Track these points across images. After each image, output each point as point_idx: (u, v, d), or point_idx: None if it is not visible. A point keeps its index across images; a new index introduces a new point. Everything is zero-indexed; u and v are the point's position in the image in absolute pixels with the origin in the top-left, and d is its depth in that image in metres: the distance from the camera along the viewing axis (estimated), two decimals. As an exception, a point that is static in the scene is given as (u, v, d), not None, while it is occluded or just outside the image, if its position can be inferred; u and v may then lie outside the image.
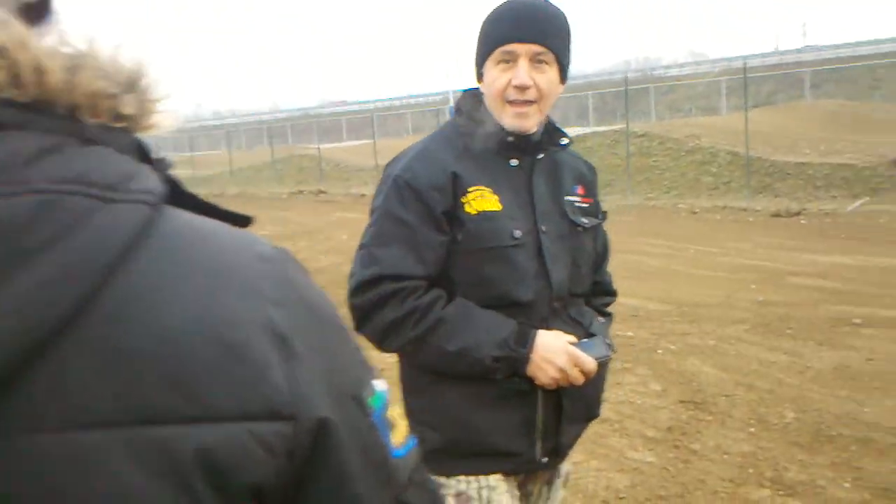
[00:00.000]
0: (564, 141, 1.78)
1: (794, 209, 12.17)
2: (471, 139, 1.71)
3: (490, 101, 1.71)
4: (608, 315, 1.95)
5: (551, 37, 1.66)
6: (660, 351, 5.66)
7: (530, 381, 1.64)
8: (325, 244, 11.92)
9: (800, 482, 3.56)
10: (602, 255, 1.95)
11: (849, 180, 13.51)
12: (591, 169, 1.94)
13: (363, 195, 19.55)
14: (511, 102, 1.66)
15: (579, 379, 1.64)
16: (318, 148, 28.22)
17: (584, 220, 1.81)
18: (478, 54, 1.72)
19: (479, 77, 1.73)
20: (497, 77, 1.66)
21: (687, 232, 11.17)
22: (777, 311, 6.42)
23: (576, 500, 3.56)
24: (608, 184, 17.59)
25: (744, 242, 9.88)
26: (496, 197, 1.65)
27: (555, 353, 1.61)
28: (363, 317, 1.63)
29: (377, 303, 1.60)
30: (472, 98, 1.78)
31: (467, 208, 1.63)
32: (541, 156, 1.75)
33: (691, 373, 5.14)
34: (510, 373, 1.62)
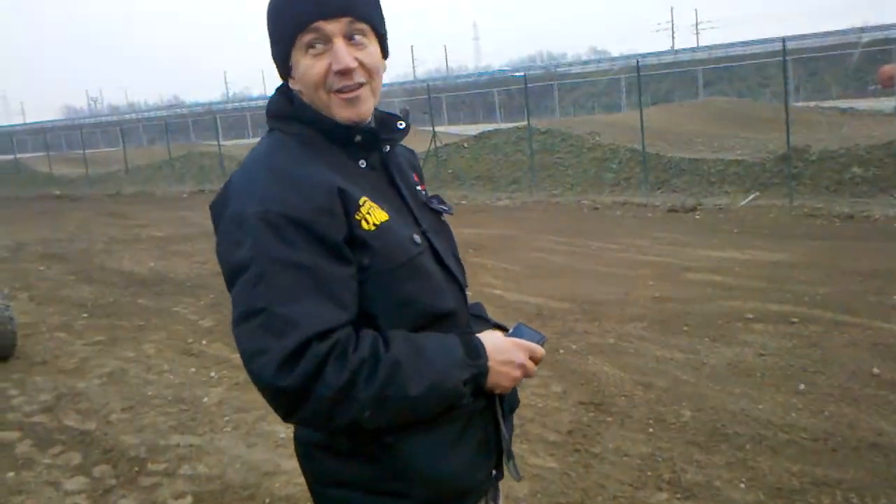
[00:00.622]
0: (402, 125, 1.55)
1: (690, 204, 12.55)
2: (323, 144, 1.44)
3: (310, 96, 1.42)
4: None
5: (360, 4, 1.40)
6: (562, 351, 5.66)
7: (487, 394, 1.47)
8: (224, 246, 11.48)
9: (697, 484, 3.58)
10: None
11: (740, 176, 14.03)
12: (414, 154, 1.72)
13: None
14: (337, 91, 1.40)
15: (534, 370, 1.50)
16: (219, 145, 27.36)
17: (444, 206, 1.63)
18: (276, 47, 1.44)
19: (286, 73, 1.46)
20: (311, 66, 1.39)
21: (589, 228, 11.34)
22: (673, 308, 6.55)
23: (476, 512, 3.47)
24: (514, 181, 17.75)
25: (642, 238, 10.10)
26: (376, 204, 1.40)
27: (508, 352, 1.45)
28: (300, 397, 1.26)
29: (314, 374, 1.24)
30: (286, 100, 1.48)
31: (364, 225, 1.35)
32: (387, 149, 1.52)
33: (592, 373, 5.15)
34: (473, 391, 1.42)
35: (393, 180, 1.52)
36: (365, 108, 1.43)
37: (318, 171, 1.37)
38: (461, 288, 1.54)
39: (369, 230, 1.36)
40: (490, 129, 22.69)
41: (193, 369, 5.95)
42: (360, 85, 1.40)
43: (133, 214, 18.33)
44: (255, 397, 5.12)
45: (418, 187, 1.60)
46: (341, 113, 1.41)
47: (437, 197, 1.64)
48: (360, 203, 1.36)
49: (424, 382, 1.31)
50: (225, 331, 6.96)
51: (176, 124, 41.38)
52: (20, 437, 4.80)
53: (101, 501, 3.91)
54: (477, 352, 1.41)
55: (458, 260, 1.60)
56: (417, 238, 1.45)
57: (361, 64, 1.40)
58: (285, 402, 1.28)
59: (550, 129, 19.75)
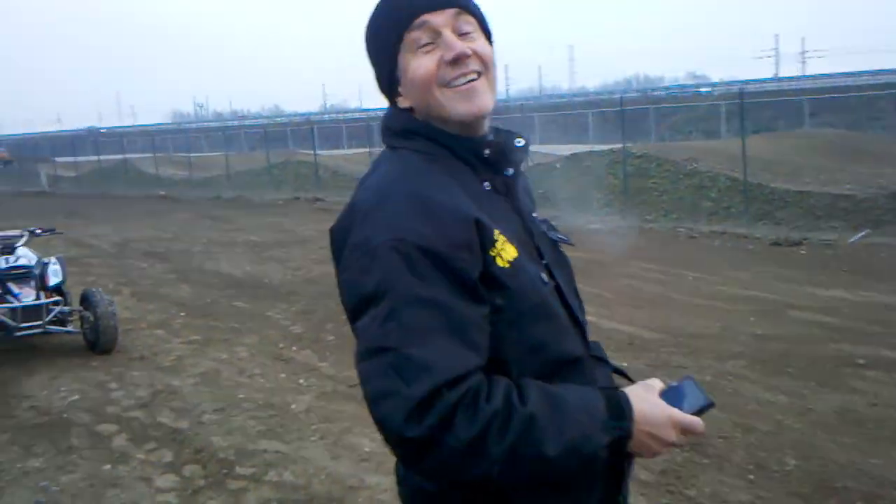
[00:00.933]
0: (521, 142, 1.42)
1: (795, 238, 12.00)
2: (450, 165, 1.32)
3: (423, 102, 1.32)
4: None
5: None
6: (655, 384, 5.45)
7: (624, 454, 1.30)
8: (318, 253, 11.71)
9: (802, 539, 3.36)
10: None
11: (849, 211, 13.35)
12: (526, 176, 1.56)
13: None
14: (450, 85, 1.29)
15: (683, 443, 1.33)
16: (315, 154, 28.03)
17: (561, 235, 1.52)
18: (380, 62, 1.36)
19: (393, 92, 1.37)
20: (420, 64, 1.29)
21: (685, 257, 10.98)
22: (776, 347, 6.22)
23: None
24: (606, 204, 17.43)
25: (742, 271, 9.70)
26: (507, 238, 1.28)
27: (659, 427, 1.26)
28: (427, 447, 1.14)
29: (443, 424, 1.13)
30: (405, 114, 1.38)
31: (499, 262, 1.24)
32: (510, 171, 1.39)
33: (688, 410, 4.93)
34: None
35: (518, 208, 1.41)
36: (483, 102, 1.31)
37: (453, 197, 1.25)
38: (583, 329, 1.42)
39: (504, 267, 1.25)
40: (583, 150, 22.39)
41: (283, 375, 6.03)
42: (476, 76, 1.31)
43: (231, 218, 18.93)
44: (342, 407, 5.14)
45: (534, 213, 1.49)
46: (458, 107, 1.30)
47: (546, 221, 1.52)
48: (496, 238, 1.25)
49: (562, 442, 1.17)
50: (314, 338, 7.04)
51: (275, 132, 42.66)
52: (117, 430, 4.96)
53: (189, 501, 3.97)
54: (621, 412, 1.25)
55: (578, 297, 1.48)
56: (544, 275, 1.34)
57: (475, 52, 1.30)
58: (412, 451, 1.17)
59: (646, 154, 19.32)
